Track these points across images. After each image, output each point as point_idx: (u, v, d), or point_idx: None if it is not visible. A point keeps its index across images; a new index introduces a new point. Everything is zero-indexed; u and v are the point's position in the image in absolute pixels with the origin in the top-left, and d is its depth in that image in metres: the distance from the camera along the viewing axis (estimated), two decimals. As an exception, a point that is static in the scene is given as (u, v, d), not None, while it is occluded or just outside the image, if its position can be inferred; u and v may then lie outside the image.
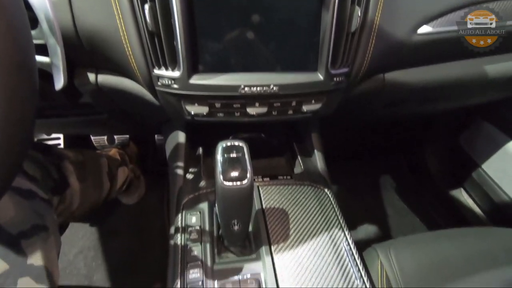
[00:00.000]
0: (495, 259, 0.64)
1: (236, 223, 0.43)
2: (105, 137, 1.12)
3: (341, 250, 0.48)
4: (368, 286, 0.43)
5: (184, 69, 0.45)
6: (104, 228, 1.07)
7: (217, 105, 0.50)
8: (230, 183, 0.39)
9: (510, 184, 0.95)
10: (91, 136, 1.11)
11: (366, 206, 1.20)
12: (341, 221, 0.52)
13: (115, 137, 1.14)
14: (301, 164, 0.64)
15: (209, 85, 0.46)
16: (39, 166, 0.55)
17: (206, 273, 0.43)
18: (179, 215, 0.51)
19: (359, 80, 0.55)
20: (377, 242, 0.65)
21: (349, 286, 0.43)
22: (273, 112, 0.53)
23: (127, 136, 1.15)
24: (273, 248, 0.46)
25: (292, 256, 0.45)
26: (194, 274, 0.43)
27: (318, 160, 0.64)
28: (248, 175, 0.40)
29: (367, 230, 1.12)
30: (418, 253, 0.65)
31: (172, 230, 0.51)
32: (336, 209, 0.54)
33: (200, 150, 0.66)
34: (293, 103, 0.52)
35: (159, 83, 0.47)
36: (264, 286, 0.42)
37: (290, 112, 0.54)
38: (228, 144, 0.43)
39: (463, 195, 1.16)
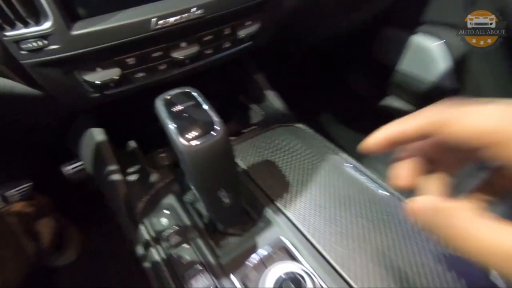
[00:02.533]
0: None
1: (224, 194, 0.31)
2: (-5, 198, 0.82)
3: (345, 171, 0.41)
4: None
5: (56, 15, 0.29)
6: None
7: (130, 60, 0.35)
8: (196, 142, 0.27)
9: (426, 71, 1.04)
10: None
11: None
12: (330, 146, 0.45)
13: (7, 193, 0.84)
14: (259, 110, 0.54)
15: (106, 29, 0.31)
16: None
17: (215, 274, 0.30)
18: (139, 227, 0.37)
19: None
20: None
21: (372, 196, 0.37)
22: (206, 51, 0.41)
23: (26, 185, 0.87)
24: (279, 205, 0.36)
25: (303, 202, 0.36)
26: (201, 282, 0.30)
27: (274, 100, 0.55)
28: (216, 123, 0.29)
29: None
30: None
31: (139, 251, 0.36)
32: (318, 137, 0.47)
33: (133, 143, 0.50)
34: (227, 30, 0.41)
35: (22, 52, 0.30)
36: (292, 247, 0.32)
37: (227, 45, 0.42)
38: (172, 93, 0.30)
39: (392, 101, 1.26)
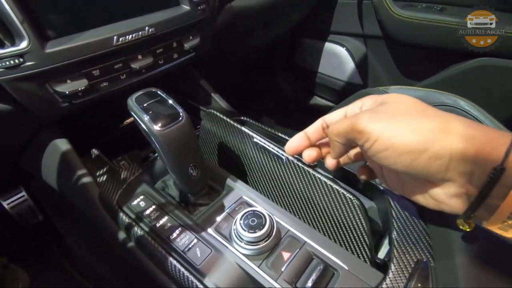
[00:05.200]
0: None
1: (192, 169, 0.40)
2: None
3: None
4: None
5: (31, 36, 0.34)
6: None
7: (95, 72, 0.42)
8: (167, 128, 0.35)
9: (339, 71, 1.26)
10: None
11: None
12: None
13: None
14: (207, 111, 0.63)
15: (76, 47, 0.38)
16: None
17: (194, 230, 0.38)
18: (119, 215, 0.42)
19: (217, 10, 0.58)
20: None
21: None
22: (159, 62, 0.49)
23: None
24: (237, 172, 0.46)
25: (258, 160, 0.46)
26: (185, 239, 0.37)
27: (218, 101, 0.65)
28: (180, 112, 0.37)
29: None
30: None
31: (121, 235, 0.42)
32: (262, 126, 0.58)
33: (95, 151, 0.54)
34: (174, 44, 0.50)
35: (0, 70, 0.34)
36: (252, 201, 0.41)
37: (175, 55, 0.51)
38: (139, 93, 0.38)
39: (318, 100, 1.47)
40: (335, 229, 0.39)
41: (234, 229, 0.36)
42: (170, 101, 0.39)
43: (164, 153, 0.37)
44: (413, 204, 0.37)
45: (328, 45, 1.24)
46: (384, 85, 1.00)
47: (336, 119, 0.33)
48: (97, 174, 0.49)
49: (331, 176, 0.46)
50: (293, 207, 0.43)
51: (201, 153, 0.42)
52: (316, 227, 0.41)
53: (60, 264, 0.90)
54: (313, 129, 0.35)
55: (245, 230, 0.34)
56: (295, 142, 0.35)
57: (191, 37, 0.52)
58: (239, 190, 0.43)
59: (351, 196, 0.37)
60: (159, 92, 0.39)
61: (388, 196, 0.40)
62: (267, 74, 1.50)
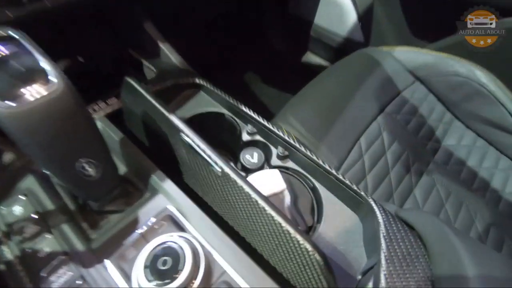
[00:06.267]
0: (361, 75, 0.70)
1: (86, 165, 0.25)
2: None
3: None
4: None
5: None
6: None
7: None
8: (25, 103, 0.20)
9: (338, 24, 1.06)
10: None
11: (241, 100, 1.16)
12: (238, 106, 0.41)
13: None
14: (151, 66, 0.46)
15: None
16: None
17: (83, 262, 0.25)
18: None
19: None
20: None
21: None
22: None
23: None
24: (169, 167, 0.31)
25: (190, 163, 0.32)
26: (63, 276, 0.24)
27: (169, 53, 0.48)
28: (52, 73, 0.21)
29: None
30: (309, 104, 0.64)
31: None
32: (221, 93, 0.42)
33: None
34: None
35: None
36: (179, 215, 0.28)
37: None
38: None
39: (311, 57, 1.27)
40: (291, 272, 0.26)
41: (134, 275, 0.23)
42: (36, 54, 0.22)
43: (23, 145, 0.22)
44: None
45: (328, -8, 1.02)
46: (390, 45, 0.82)
47: None
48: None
49: (288, 202, 0.32)
50: (240, 226, 0.30)
51: (101, 137, 0.26)
52: (269, 260, 0.28)
53: None
54: None
55: (150, 281, 0.21)
56: None
57: None
58: (166, 195, 0.29)
59: (308, 247, 0.22)
60: (17, 36, 0.23)
61: (377, 210, 0.27)
62: (253, 24, 1.27)
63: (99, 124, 0.35)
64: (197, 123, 0.42)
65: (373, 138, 0.62)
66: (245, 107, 0.39)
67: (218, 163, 0.26)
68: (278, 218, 0.23)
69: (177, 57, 0.48)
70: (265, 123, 0.38)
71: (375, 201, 0.29)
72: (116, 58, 0.52)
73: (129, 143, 0.33)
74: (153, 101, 0.31)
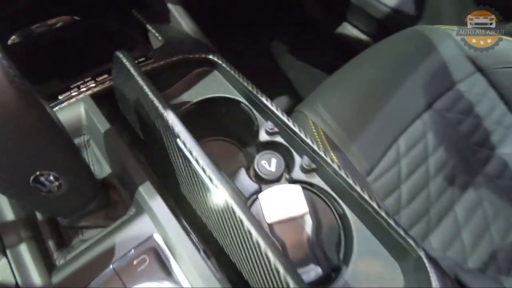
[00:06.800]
0: (410, 60, 0.59)
1: (43, 178, 0.18)
2: None
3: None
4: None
5: None
6: None
7: None
8: None
9: (386, -8, 0.90)
10: None
11: (265, 73, 1.05)
12: (255, 93, 0.32)
13: None
14: (157, 34, 0.38)
15: None
16: None
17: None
18: None
19: None
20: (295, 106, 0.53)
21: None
22: None
23: None
24: (165, 172, 0.25)
25: (185, 174, 0.25)
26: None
27: (180, 18, 0.39)
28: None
29: (282, 99, 1.00)
30: (342, 92, 0.54)
31: None
32: (240, 77, 0.33)
33: None
34: None
35: None
36: (167, 250, 0.21)
37: None
38: None
39: (347, 29, 1.12)
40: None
41: None
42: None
43: None
44: None
45: None
46: (447, 24, 0.67)
47: None
48: None
49: (309, 231, 0.24)
50: (244, 266, 0.23)
51: (67, 146, 0.19)
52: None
53: None
54: None
55: None
56: None
57: None
58: (152, 218, 0.23)
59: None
60: None
61: (432, 272, 0.20)
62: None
63: (81, 106, 0.28)
64: (207, 107, 0.34)
65: (414, 140, 0.52)
66: (266, 100, 0.31)
67: (219, 186, 0.18)
68: (277, 264, 0.16)
69: (190, 24, 0.39)
70: (290, 124, 0.29)
71: (428, 256, 0.21)
72: (118, 20, 0.43)
73: (115, 136, 0.26)
74: (147, 90, 0.23)
